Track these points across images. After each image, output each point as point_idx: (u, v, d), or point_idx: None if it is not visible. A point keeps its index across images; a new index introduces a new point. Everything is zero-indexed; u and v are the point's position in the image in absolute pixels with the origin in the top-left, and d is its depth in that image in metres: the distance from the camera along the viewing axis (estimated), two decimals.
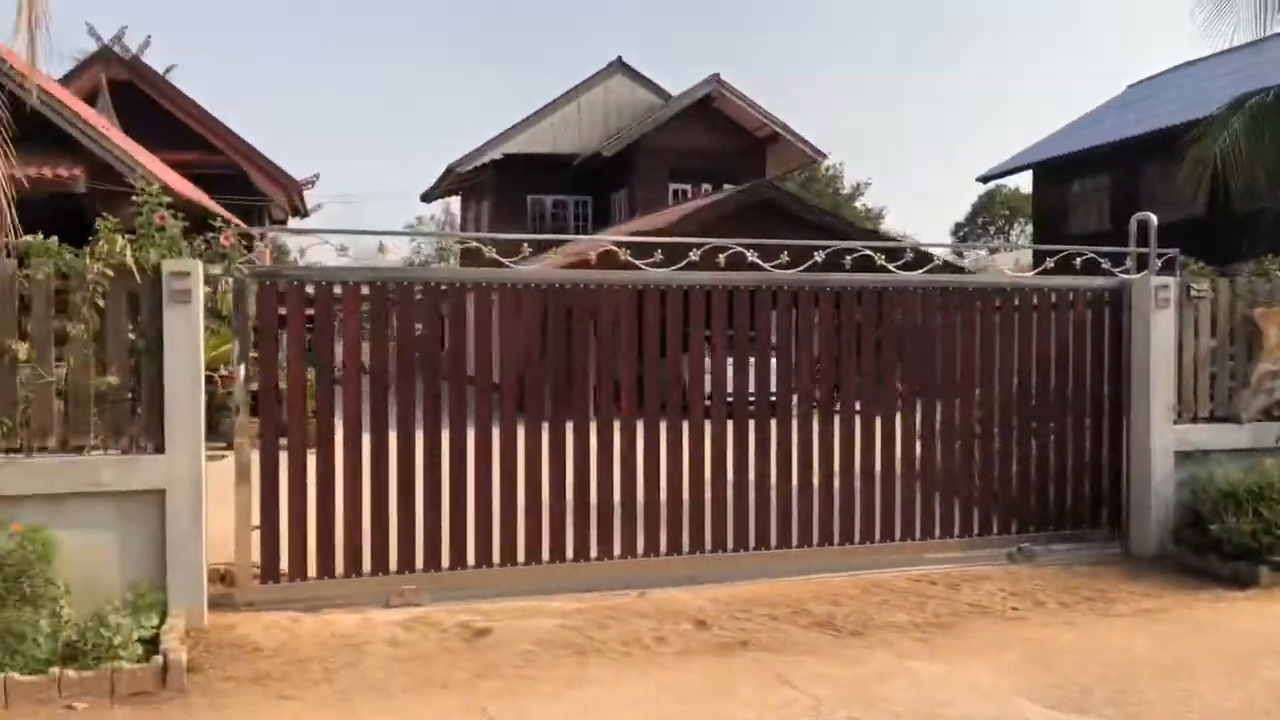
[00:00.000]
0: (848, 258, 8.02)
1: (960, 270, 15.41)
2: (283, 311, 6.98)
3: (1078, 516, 8.59)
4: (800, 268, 7.91)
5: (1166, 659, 6.03)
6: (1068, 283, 8.58)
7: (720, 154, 26.16)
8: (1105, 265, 8.58)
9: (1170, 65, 30.07)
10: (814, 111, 73.83)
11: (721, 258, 7.77)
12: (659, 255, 7.63)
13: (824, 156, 28.97)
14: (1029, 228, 40.94)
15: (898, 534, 8.13)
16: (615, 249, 7.69)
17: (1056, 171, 28.81)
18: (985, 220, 53.23)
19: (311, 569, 6.93)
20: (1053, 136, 30.92)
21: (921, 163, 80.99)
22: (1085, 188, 27.90)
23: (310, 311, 7.02)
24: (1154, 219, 8.64)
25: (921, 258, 8.73)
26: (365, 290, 7.15)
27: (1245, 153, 12.44)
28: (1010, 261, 17.06)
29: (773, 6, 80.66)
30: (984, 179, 33.66)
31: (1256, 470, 8.06)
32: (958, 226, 54.55)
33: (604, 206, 28.89)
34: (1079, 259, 8.52)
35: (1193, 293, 8.49)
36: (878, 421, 8.12)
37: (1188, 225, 14.53)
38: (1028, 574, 7.93)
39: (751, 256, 7.78)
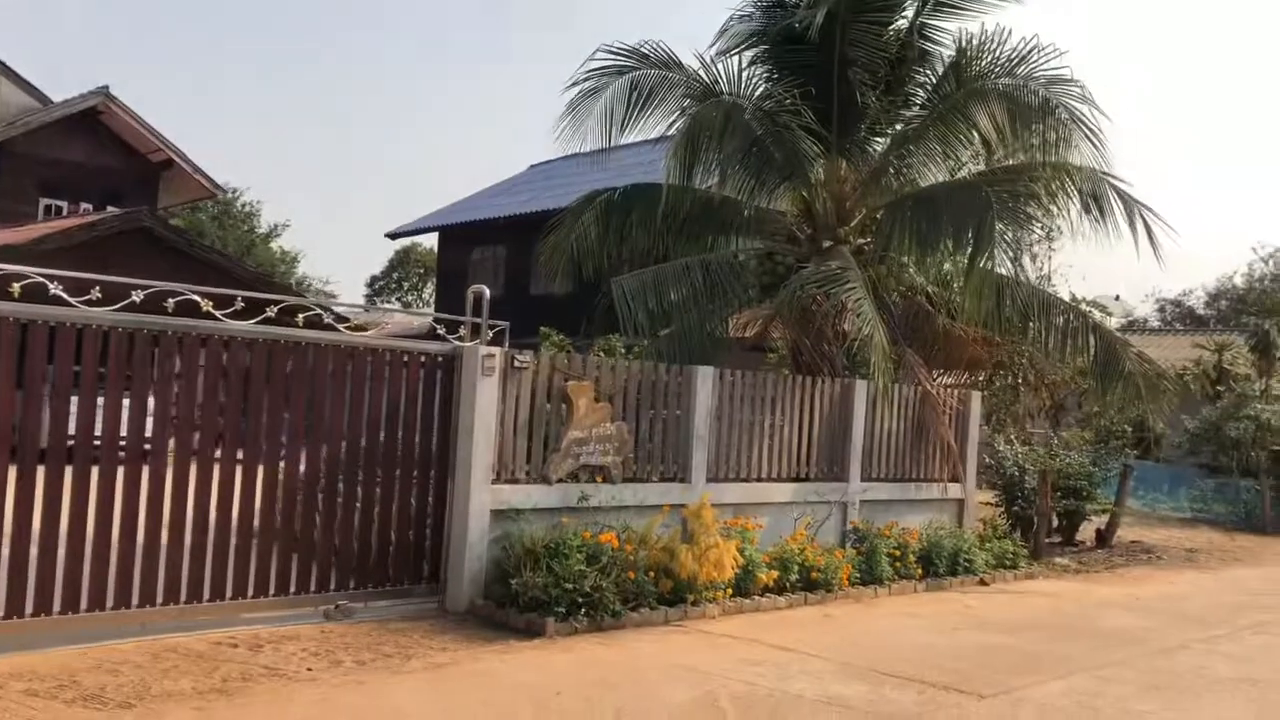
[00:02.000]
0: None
1: (331, 325, 15.40)
2: None
3: (400, 572, 8.74)
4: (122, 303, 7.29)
5: (437, 714, 6.26)
6: (405, 345, 8.84)
7: (106, 173, 23.89)
8: (440, 331, 8.98)
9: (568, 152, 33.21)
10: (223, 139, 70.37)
11: (17, 286, 6.92)
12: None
13: (221, 191, 27.72)
14: None
15: (207, 593, 7.68)
16: None
17: (460, 237, 30.31)
18: (400, 276, 54.51)
19: None
20: (460, 203, 32.57)
21: (348, 210, 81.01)
22: (484, 255, 29.59)
23: None
24: (487, 292, 9.20)
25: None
26: None
27: (594, 241, 13.95)
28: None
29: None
30: (392, 235, 34.52)
31: (557, 528, 8.84)
32: (374, 279, 55.28)
33: None
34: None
35: (516, 363, 9.12)
36: (205, 471, 7.67)
37: (563, 300, 15.86)
38: (340, 632, 7.89)
39: (54, 288, 7.04)
